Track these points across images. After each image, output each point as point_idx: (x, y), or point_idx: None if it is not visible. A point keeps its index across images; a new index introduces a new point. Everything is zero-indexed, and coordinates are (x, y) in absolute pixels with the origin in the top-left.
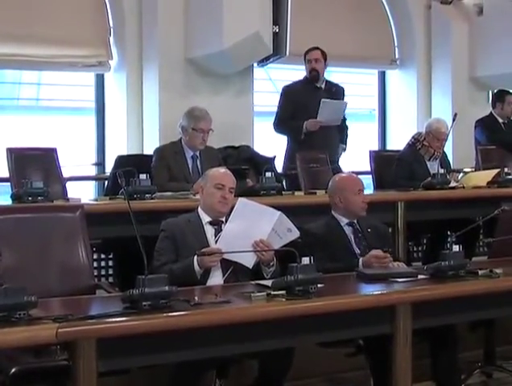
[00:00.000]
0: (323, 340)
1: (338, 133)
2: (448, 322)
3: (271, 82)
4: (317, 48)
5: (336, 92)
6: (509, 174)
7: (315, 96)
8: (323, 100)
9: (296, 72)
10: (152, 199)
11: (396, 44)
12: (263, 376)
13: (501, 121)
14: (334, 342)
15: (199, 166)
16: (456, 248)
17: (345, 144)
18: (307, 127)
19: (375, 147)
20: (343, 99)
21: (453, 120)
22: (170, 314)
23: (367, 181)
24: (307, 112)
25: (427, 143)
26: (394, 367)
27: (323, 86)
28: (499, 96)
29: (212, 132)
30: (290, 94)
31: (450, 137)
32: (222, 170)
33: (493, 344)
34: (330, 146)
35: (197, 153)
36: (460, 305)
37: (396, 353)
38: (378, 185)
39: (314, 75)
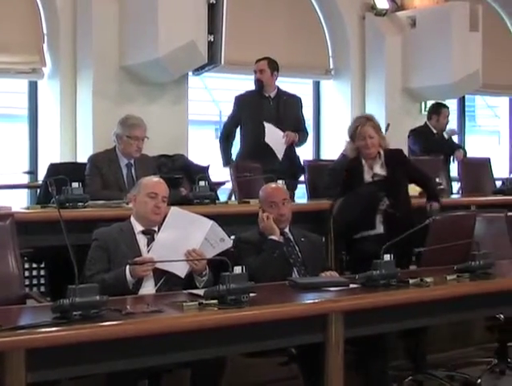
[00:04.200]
0: (255, 349)
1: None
2: (379, 330)
3: (207, 91)
4: (264, 59)
5: (286, 101)
6: (440, 185)
7: (261, 105)
8: (265, 123)
9: (232, 81)
10: (84, 207)
11: (331, 54)
12: None
13: (435, 131)
14: (267, 351)
15: (133, 175)
16: (387, 257)
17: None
18: None
19: (309, 157)
20: (299, 108)
21: (386, 130)
22: (100, 323)
23: (301, 190)
24: (253, 120)
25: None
26: (326, 376)
27: (272, 95)
28: (435, 109)
29: (148, 139)
30: (238, 102)
31: None
32: (155, 178)
33: (424, 352)
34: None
35: (132, 162)
36: (391, 313)
37: (328, 362)
38: (312, 194)
39: (258, 86)
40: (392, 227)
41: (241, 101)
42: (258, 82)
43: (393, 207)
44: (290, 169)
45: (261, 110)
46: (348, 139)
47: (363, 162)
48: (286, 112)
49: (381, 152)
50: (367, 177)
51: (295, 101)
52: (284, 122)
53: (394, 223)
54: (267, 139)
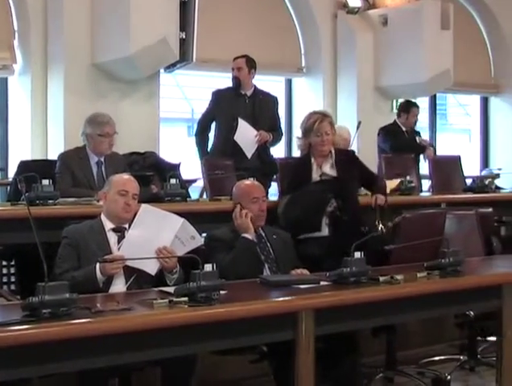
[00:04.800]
0: (226, 347)
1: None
2: (350, 328)
3: (179, 88)
4: (242, 56)
5: (262, 99)
6: (411, 182)
7: (237, 103)
8: (239, 120)
9: (203, 79)
10: (55, 204)
11: (303, 52)
12: (166, 384)
13: (404, 129)
14: (238, 348)
15: (103, 172)
16: (357, 254)
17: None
18: None
19: (281, 154)
20: (275, 108)
21: (357, 128)
22: (70, 321)
23: (272, 188)
24: (227, 117)
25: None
26: (296, 373)
27: (248, 93)
28: (405, 107)
29: (117, 134)
30: (215, 98)
31: (354, 145)
32: (125, 176)
33: (394, 349)
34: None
35: (102, 159)
36: (362, 311)
37: (299, 359)
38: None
39: (234, 83)
40: (338, 231)
41: (218, 97)
42: (235, 79)
43: (340, 210)
44: (263, 167)
45: (236, 108)
46: (299, 135)
47: (312, 159)
48: (262, 110)
49: (333, 151)
50: (315, 176)
51: (271, 100)
52: (259, 121)
53: (340, 227)
54: (237, 137)
